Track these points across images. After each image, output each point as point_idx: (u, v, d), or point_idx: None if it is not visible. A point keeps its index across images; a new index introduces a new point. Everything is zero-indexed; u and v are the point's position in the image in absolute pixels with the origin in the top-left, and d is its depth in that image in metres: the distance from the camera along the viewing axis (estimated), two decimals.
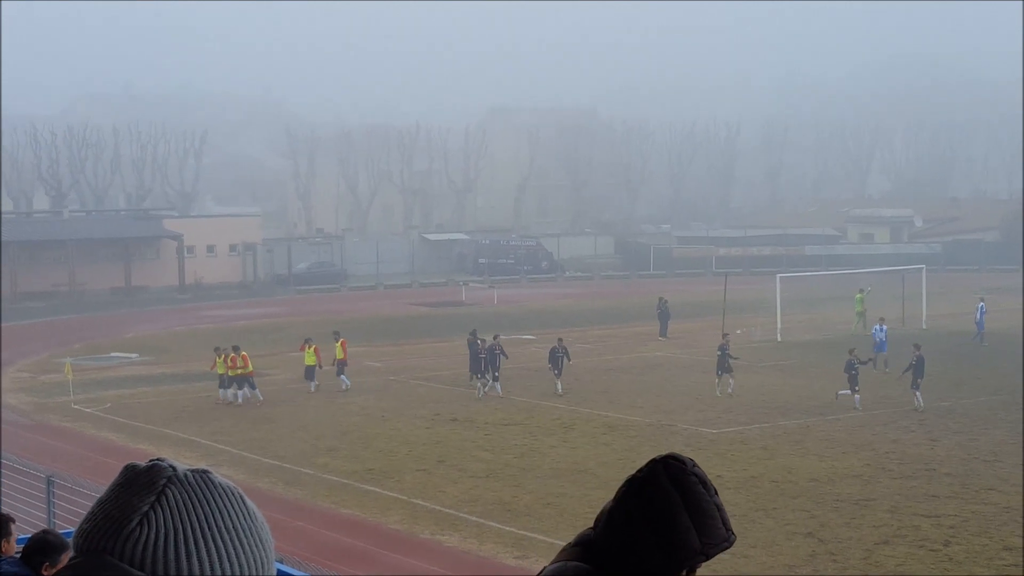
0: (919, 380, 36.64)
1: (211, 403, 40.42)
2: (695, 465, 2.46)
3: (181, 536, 2.00)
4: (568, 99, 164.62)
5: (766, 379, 43.54)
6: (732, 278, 64.71)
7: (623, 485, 2.43)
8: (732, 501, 26.43)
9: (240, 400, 39.61)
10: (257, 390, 40.19)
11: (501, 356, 40.87)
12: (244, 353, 40.28)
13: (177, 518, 2.01)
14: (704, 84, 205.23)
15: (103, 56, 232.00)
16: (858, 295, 57.22)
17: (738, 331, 55.58)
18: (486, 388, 40.09)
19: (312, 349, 42.14)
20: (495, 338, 41.92)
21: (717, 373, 39.95)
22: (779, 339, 53.56)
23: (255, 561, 2.08)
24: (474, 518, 25.75)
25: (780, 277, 57.17)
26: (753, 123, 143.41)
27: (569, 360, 41.18)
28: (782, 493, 27.20)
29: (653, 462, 2.43)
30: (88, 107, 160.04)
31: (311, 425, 36.37)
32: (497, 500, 27.11)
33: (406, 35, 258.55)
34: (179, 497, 2.02)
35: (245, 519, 2.08)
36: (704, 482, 2.43)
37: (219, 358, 40.40)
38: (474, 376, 40.75)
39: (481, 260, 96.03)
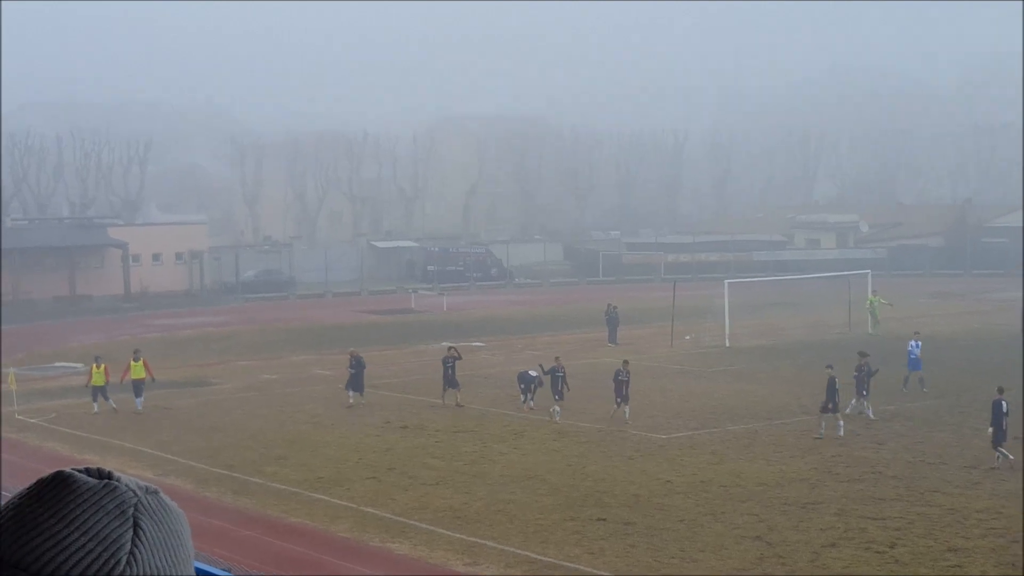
0: (866, 390, 36.64)
1: (158, 412, 40.09)
2: None
3: None
4: (517, 107, 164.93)
5: (715, 384, 43.76)
6: (681, 284, 65.11)
7: None
8: (681, 506, 26.58)
9: None
10: None
11: (626, 384, 37.15)
12: None
13: (158, 556, 1.79)
14: (651, 92, 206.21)
15: (45, 64, 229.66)
16: (872, 298, 57.95)
17: (687, 337, 55.91)
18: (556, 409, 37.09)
19: (102, 368, 40.32)
20: (556, 360, 38.97)
21: (862, 393, 36.70)
22: (728, 344, 53.86)
23: None
24: (424, 525, 25.69)
25: (728, 283, 57.50)
26: (700, 130, 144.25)
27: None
28: (731, 497, 27.34)
29: None
30: (30, 115, 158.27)
31: (260, 434, 36.15)
32: (447, 507, 27.06)
33: (353, 42, 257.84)
34: (153, 530, 1.81)
35: (192, 547, 1.93)
36: None
37: None
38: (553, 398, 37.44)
39: (430, 267, 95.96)
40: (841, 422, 33.87)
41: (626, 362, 38.30)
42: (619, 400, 36.83)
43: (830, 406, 33.92)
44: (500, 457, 32.20)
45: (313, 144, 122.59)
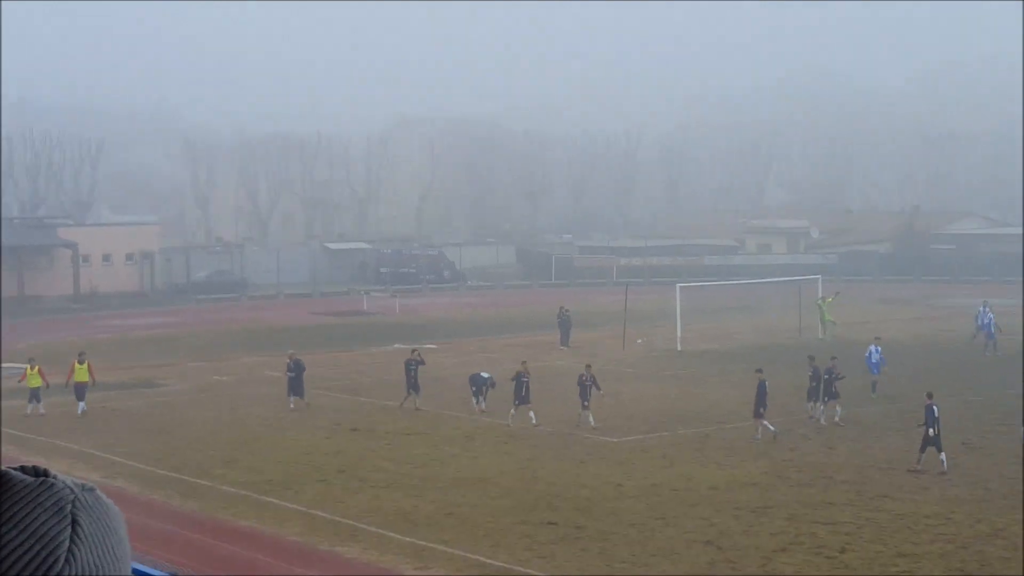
0: (819, 393, 36.92)
1: (106, 414, 39.66)
2: None
3: None
4: (470, 109, 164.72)
5: (666, 388, 43.86)
6: (633, 288, 65.23)
7: None
8: (633, 509, 26.58)
9: None
10: None
11: (593, 387, 36.96)
12: None
13: (96, 554, 1.75)
14: (604, 96, 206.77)
15: None
16: (823, 302, 58.35)
17: (638, 340, 56.04)
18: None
19: (36, 370, 39.77)
20: (523, 364, 38.27)
21: (823, 399, 36.48)
22: (679, 348, 54.00)
23: None
24: (375, 529, 25.54)
25: (680, 287, 57.67)
26: (652, 135, 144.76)
27: (599, 390, 37.26)
28: (682, 501, 27.38)
29: None
30: None
31: (208, 436, 35.86)
32: (398, 510, 26.93)
33: (307, 43, 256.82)
34: (92, 528, 1.76)
35: (129, 544, 1.88)
36: None
37: None
38: (513, 405, 37.10)
39: (383, 269, 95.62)
40: (765, 422, 34.20)
41: (588, 366, 38.05)
42: (584, 404, 36.62)
43: (760, 410, 34.23)
44: (451, 460, 32.10)
45: (266, 145, 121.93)
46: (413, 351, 41.84)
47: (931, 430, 29.89)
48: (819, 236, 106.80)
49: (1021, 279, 74.78)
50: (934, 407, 30.02)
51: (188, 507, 27.83)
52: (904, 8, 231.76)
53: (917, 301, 77.12)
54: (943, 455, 29.70)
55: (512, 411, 36.98)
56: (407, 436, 35.43)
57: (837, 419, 36.12)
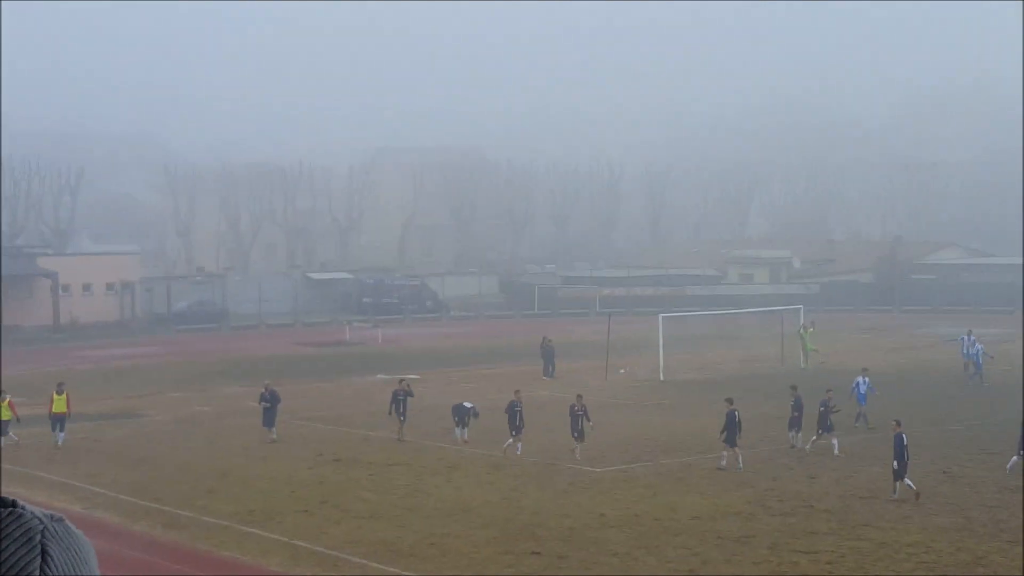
0: (801, 422, 37.05)
1: (87, 445, 39.45)
2: None
3: None
4: (453, 139, 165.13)
5: (649, 417, 43.85)
6: (616, 318, 65.25)
7: None
8: (615, 539, 26.54)
9: None
10: None
11: (584, 418, 36.26)
12: None
13: None
14: (587, 126, 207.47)
15: None
16: (805, 331, 58.39)
17: (621, 370, 56.03)
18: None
19: (7, 402, 39.36)
20: (516, 393, 38.15)
21: (817, 432, 36.07)
22: (662, 378, 54.03)
23: None
24: (357, 559, 25.44)
25: (662, 317, 57.76)
26: (636, 165, 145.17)
27: (589, 421, 36.50)
28: (665, 531, 27.36)
29: None
30: None
31: (190, 466, 35.70)
32: (381, 541, 26.84)
33: (289, 72, 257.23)
34: (62, 558, 1.77)
35: (99, 573, 1.88)
36: None
37: None
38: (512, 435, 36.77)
39: (365, 299, 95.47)
40: (730, 455, 34.16)
41: (580, 396, 37.59)
42: (575, 435, 36.21)
43: (735, 438, 34.12)
44: (434, 490, 32.01)
45: (247, 174, 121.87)
46: (401, 381, 41.77)
47: (896, 461, 29.97)
48: (801, 266, 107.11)
49: (1022, 309, 74.91)
50: (903, 435, 30.16)
51: (170, 538, 27.69)
52: (886, 37, 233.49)
53: (897, 330, 77.37)
54: (908, 481, 29.77)
55: (510, 440, 36.70)
56: (390, 466, 35.33)
57: (836, 452, 35.91)
